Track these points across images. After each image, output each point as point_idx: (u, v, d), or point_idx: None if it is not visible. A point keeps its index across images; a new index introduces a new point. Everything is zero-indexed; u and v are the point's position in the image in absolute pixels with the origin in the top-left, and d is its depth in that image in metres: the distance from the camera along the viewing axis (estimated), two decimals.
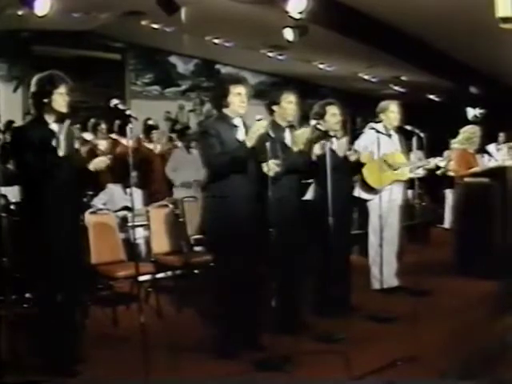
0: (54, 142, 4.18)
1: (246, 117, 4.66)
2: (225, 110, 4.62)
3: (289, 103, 5.09)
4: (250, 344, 4.61)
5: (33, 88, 4.26)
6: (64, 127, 4.26)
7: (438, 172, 7.89)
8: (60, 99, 4.22)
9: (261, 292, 4.92)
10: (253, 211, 4.56)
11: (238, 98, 4.57)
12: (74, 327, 4.36)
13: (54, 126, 4.26)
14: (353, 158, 5.68)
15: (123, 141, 8.01)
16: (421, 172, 6.51)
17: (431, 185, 9.41)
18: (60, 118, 4.29)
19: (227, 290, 4.56)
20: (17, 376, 4.02)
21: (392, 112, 6.24)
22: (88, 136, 8.56)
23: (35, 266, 4.21)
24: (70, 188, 4.21)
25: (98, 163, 4.31)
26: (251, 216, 4.54)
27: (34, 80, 4.28)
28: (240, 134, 4.61)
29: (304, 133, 5.09)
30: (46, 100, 4.19)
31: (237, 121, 4.64)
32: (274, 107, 5.12)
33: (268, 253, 4.47)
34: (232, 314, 4.57)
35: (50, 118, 4.27)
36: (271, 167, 4.53)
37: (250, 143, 4.45)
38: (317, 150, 5.16)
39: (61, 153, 4.17)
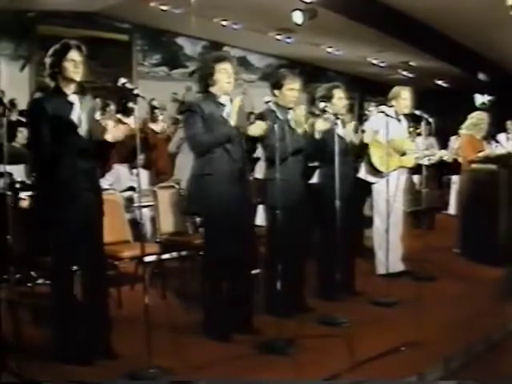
0: (72, 115, 3.98)
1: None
2: (211, 89, 4.54)
3: (290, 90, 5.01)
4: (242, 326, 4.59)
5: (47, 59, 3.99)
6: (83, 98, 4.06)
7: (446, 158, 7.89)
8: (70, 66, 3.92)
9: (254, 274, 4.94)
10: (238, 189, 4.51)
11: (224, 75, 4.48)
12: (96, 313, 4.12)
13: (72, 98, 4.01)
14: (359, 138, 5.67)
15: (130, 121, 7.99)
16: (426, 161, 6.49)
17: (438, 171, 9.40)
18: (79, 89, 4.05)
19: (216, 270, 4.54)
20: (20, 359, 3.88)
21: (404, 99, 6.22)
22: (97, 116, 8.53)
23: (53, 245, 4.01)
24: (88, 161, 3.99)
25: (118, 131, 3.98)
26: (237, 194, 4.50)
27: (49, 51, 4.02)
28: (227, 113, 4.54)
29: (302, 111, 5.05)
30: (56, 69, 3.94)
31: (223, 99, 4.56)
32: (276, 91, 5.05)
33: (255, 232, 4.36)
34: (220, 296, 4.55)
35: (68, 90, 4.00)
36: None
37: (233, 122, 4.45)
38: (320, 125, 5.08)
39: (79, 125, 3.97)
